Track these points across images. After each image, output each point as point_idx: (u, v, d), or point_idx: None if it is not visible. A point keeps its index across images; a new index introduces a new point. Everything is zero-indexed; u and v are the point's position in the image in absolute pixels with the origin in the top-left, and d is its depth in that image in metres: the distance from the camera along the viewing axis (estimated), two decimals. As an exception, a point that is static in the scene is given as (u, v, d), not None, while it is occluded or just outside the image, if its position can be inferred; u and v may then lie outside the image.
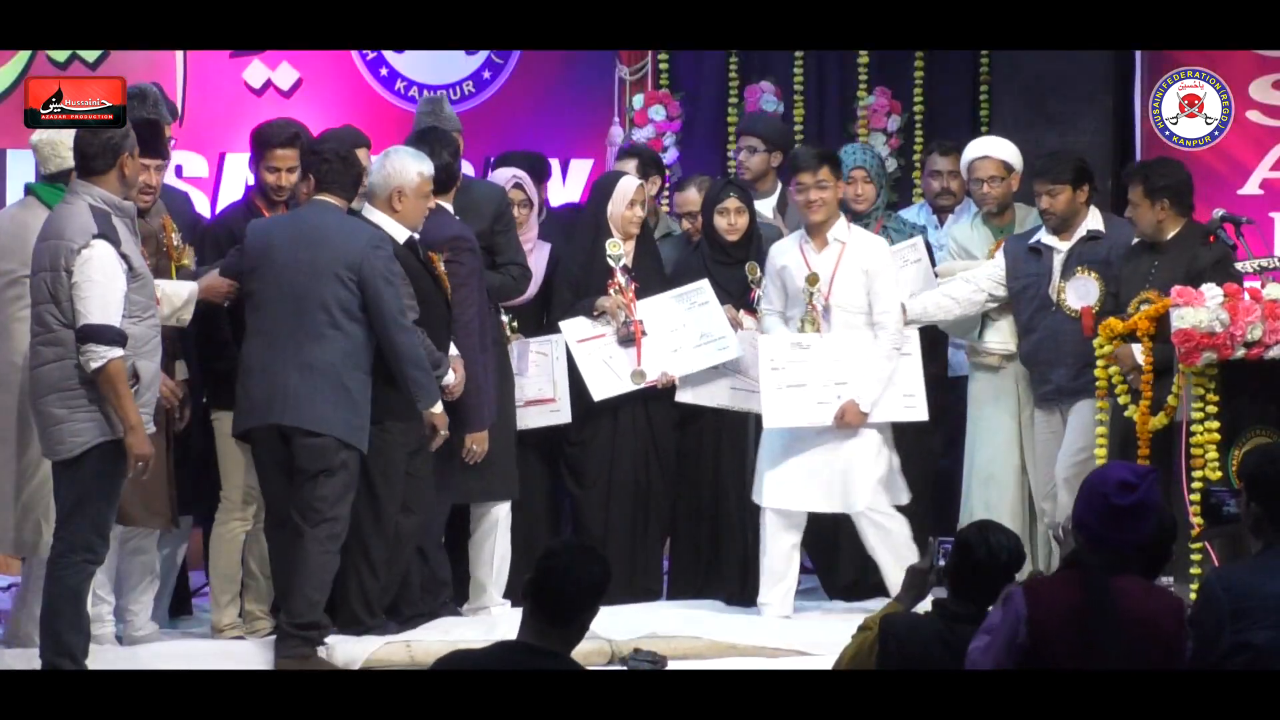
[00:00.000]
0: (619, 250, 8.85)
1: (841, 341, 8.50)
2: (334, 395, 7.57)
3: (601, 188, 9.09)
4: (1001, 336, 8.81)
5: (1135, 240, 8.41)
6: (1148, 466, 5.24)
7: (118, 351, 6.88)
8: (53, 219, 7.06)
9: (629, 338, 8.79)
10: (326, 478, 7.57)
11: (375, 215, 7.92)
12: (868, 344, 8.50)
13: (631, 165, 9.38)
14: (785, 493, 8.50)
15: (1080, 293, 8.45)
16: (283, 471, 7.67)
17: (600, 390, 8.77)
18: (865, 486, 8.45)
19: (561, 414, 8.76)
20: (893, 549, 8.43)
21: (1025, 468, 8.79)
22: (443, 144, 8.30)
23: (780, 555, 8.54)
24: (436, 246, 8.08)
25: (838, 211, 8.64)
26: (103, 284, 6.89)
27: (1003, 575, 5.34)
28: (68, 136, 7.54)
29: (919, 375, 8.60)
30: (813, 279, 8.51)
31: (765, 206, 9.50)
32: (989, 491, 8.82)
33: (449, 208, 8.31)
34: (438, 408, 7.78)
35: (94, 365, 6.87)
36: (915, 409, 8.58)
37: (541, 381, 8.69)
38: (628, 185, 8.94)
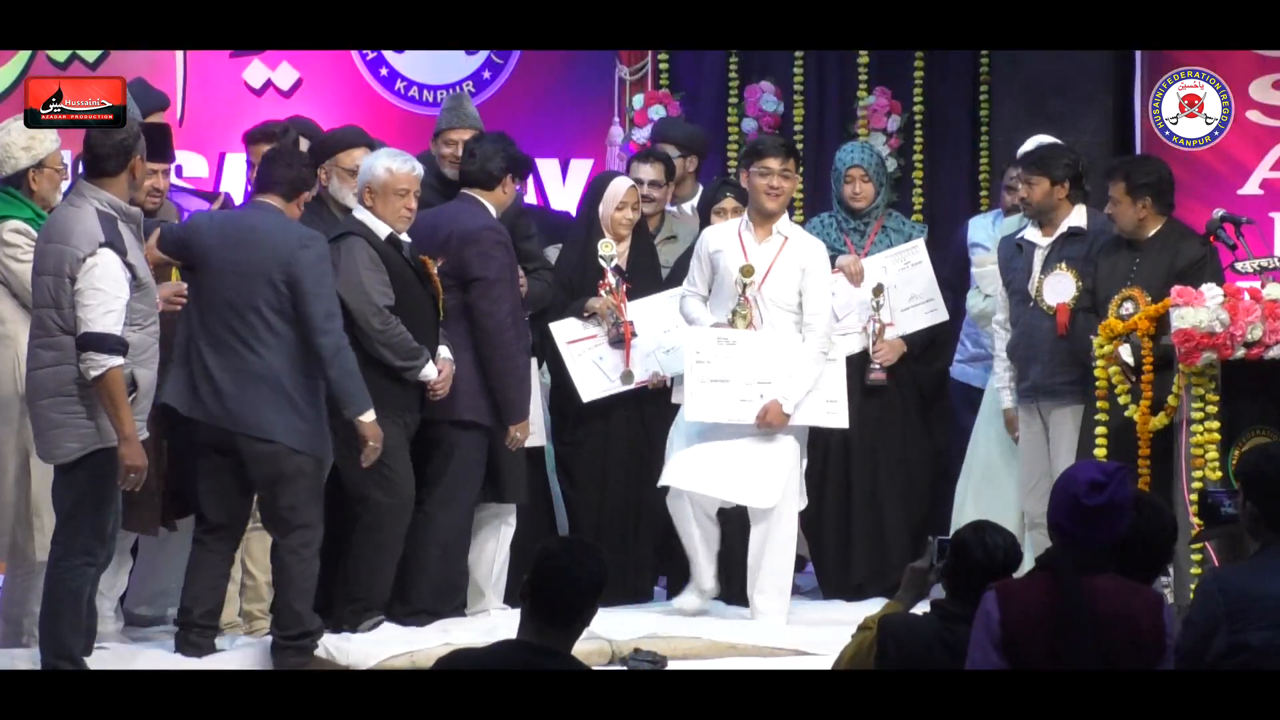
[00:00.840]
0: (611, 251, 8.84)
1: (768, 340, 8.43)
2: (276, 401, 7.47)
3: (594, 188, 9.11)
4: None
5: (1112, 237, 8.42)
6: (1116, 464, 5.22)
7: (118, 360, 6.86)
8: (58, 223, 7.03)
9: (619, 339, 8.79)
10: (285, 486, 7.49)
11: (361, 214, 7.98)
12: (794, 345, 8.44)
13: (658, 170, 9.37)
14: (693, 475, 8.39)
15: (1056, 289, 8.44)
16: (225, 472, 7.58)
17: (590, 391, 8.77)
18: (779, 485, 8.40)
19: (535, 438, 8.72)
20: (772, 552, 8.40)
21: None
22: (498, 146, 8.33)
23: (707, 548, 8.50)
24: (468, 236, 8.11)
25: (785, 208, 8.61)
26: (106, 293, 6.87)
27: (1000, 575, 5.33)
28: (19, 136, 7.56)
29: (842, 381, 8.56)
30: (747, 270, 8.43)
31: (684, 210, 9.58)
32: (982, 489, 8.83)
33: (489, 205, 8.29)
34: (367, 417, 7.63)
35: (93, 374, 6.85)
36: (837, 415, 8.53)
37: None
38: (619, 186, 8.94)
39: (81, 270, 6.86)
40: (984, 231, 9.28)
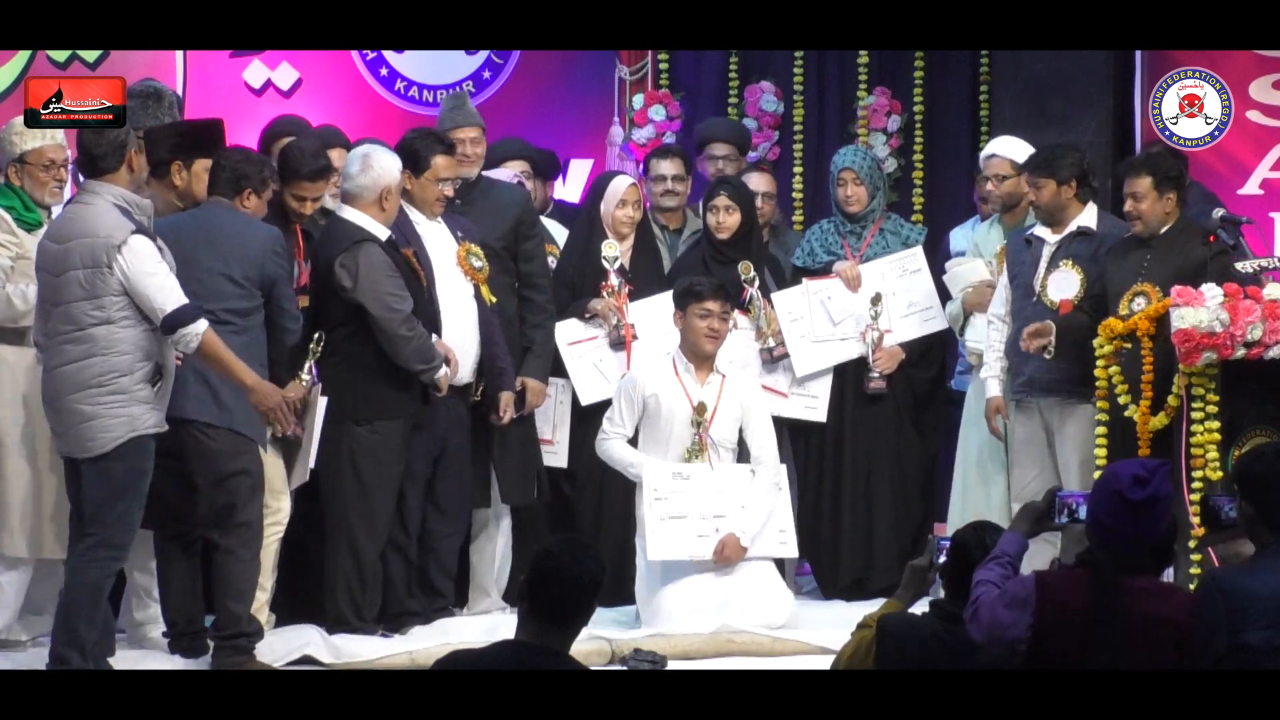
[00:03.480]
0: (614, 251, 8.83)
1: (721, 474, 8.37)
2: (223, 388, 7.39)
3: (595, 188, 9.12)
4: (977, 335, 8.82)
5: (1121, 238, 8.41)
6: (1159, 460, 5.25)
7: (204, 324, 6.97)
8: (76, 219, 7.02)
9: (620, 341, 8.78)
10: (227, 483, 7.40)
11: (355, 215, 7.90)
12: (746, 478, 8.37)
13: (677, 164, 9.38)
14: (691, 616, 8.15)
15: (1061, 286, 8.44)
16: (168, 474, 7.40)
17: (590, 394, 8.77)
18: (785, 591, 8.38)
19: (558, 457, 8.71)
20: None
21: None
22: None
23: None
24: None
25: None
26: (157, 273, 6.95)
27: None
28: (9, 128, 7.59)
29: (789, 511, 8.50)
30: (701, 408, 8.33)
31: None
32: (972, 488, 8.84)
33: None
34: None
35: (193, 345, 6.96)
36: (787, 545, 8.48)
37: (541, 421, 8.64)
38: (619, 185, 8.95)
39: (123, 259, 6.89)
40: (964, 239, 9.28)
